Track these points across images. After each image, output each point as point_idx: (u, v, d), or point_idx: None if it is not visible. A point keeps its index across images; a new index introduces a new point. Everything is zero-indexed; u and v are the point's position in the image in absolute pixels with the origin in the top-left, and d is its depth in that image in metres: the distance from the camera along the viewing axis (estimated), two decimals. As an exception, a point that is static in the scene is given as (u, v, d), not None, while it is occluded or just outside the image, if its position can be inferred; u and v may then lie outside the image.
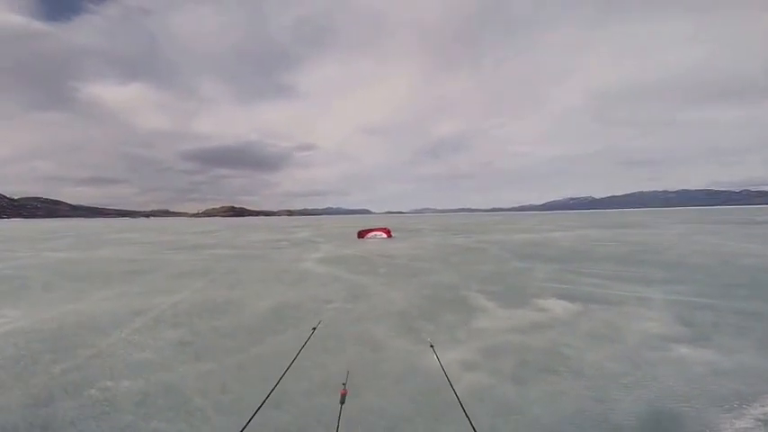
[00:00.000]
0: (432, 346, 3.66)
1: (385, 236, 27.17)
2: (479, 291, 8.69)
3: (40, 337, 5.96)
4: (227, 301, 8.05)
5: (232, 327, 6.35)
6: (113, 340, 5.74)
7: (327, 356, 5.01)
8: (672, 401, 3.69)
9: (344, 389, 2.39)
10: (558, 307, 7.24)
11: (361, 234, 27.65)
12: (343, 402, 2.31)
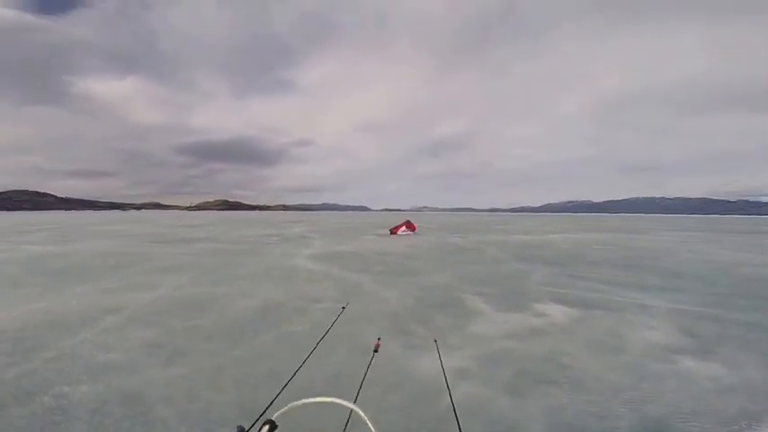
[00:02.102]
0: (435, 340, 3.37)
1: (410, 232, 28.13)
2: (476, 293, 8.32)
3: (0, 338, 5.46)
4: (209, 299, 7.59)
5: (211, 327, 5.90)
6: (78, 341, 5.26)
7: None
8: (678, 420, 3.42)
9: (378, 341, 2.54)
10: (556, 312, 6.90)
11: (393, 231, 28.37)
12: (376, 351, 2.41)
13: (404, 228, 28.50)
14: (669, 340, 5.47)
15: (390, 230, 28.44)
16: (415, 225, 29.70)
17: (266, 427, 1.11)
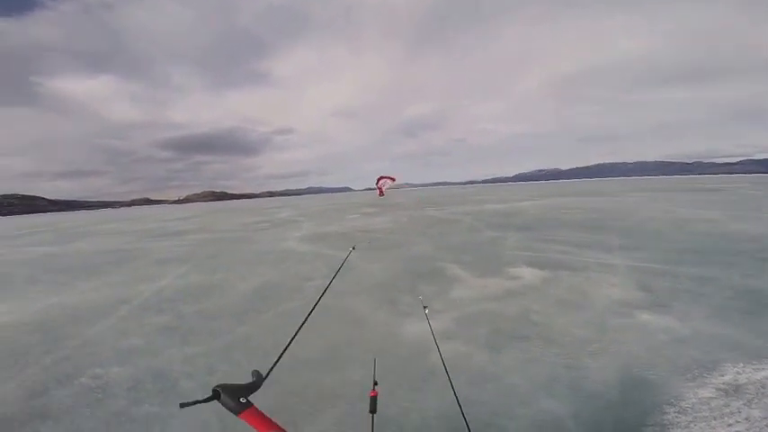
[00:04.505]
0: (425, 307, 3.33)
1: (391, 182, 30.19)
2: (454, 261, 9.05)
3: (28, 329, 6.07)
4: (210, 285, 8.22)
5: (217, 309, 6.54)
6: (100, 329, 5.88)
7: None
8: (637, 369, 3.87)
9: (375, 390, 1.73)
10: (528, 274, 7.60)
11: (380, 190, 30.73)
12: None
13: (385, 180, 30.29)
14: (628, 296, 6.05)
15: (378, 191, 30.36)
16: (394, 177, 31.40)
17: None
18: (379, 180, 30.66)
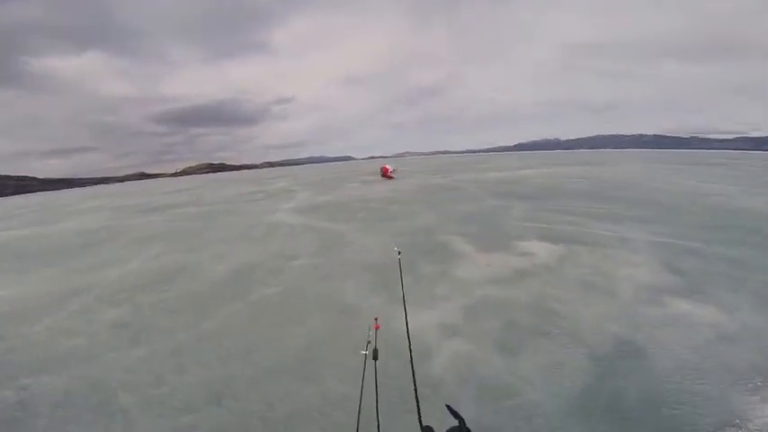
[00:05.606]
0: (399, 252, 3.20)
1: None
2: (459, 234, 8.10)
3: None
4: (181, 268, 7.31)
5: (180, 299, 5.65)
6: (42, 327, 5.02)
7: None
8: (686, 378, 3.05)
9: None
10: (540, 250, 6.66)
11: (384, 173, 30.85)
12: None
13: (390, 170, 30.80)
14: (657, 279, 5.15)
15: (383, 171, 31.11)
16: (391, 168, 31.81)
17: None
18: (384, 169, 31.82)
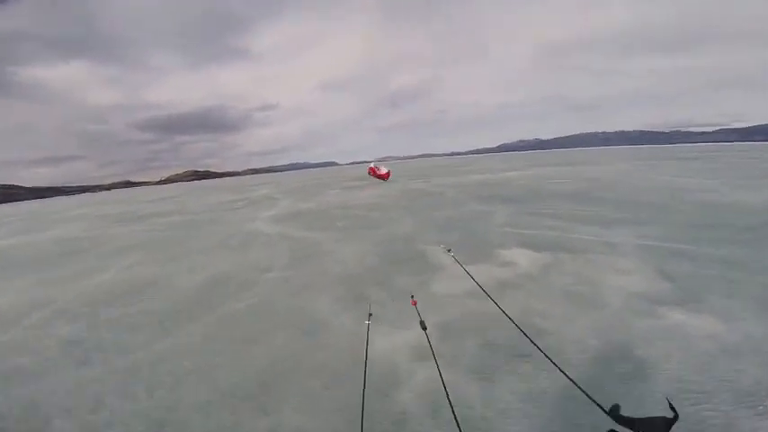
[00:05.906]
0: (370, 314, 2.93)
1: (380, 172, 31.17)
2: (439, 243, 7.88)
3: None
4: (151, 281, 6.99)
5: (144, 314, 5.36)
6: (-10, 345, 4.69)
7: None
8: (690, 400, 2.77)
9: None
10: (522, 258, 6.45)
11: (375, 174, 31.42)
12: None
13: (381, 170, 31.21)
14: (647, 286, 4.90)
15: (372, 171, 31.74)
16: (377, 169, 32.27)
17: None
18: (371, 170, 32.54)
